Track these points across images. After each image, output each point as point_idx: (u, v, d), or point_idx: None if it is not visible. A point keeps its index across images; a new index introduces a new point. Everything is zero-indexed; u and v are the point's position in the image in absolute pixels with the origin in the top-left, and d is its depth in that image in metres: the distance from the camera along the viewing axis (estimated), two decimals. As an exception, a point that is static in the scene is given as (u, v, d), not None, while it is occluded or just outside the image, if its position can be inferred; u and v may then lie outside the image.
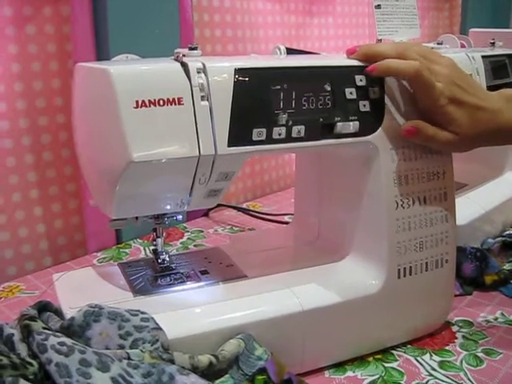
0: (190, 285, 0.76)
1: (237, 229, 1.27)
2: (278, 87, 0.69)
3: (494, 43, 1.34)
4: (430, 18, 2.18)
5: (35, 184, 1.11)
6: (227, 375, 0.66)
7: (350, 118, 0.72)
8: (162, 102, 0.63)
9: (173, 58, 0.68)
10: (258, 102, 0.68)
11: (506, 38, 1.41)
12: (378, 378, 0.74)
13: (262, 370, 0.66)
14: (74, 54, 1.10)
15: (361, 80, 0.73)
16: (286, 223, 1.21)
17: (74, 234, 1.18)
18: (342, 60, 0.76)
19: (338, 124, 0.72)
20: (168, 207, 0.72)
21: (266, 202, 1.48)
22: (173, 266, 0.80)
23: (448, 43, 1.30)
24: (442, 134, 0.74)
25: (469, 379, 0.73)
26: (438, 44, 1.26)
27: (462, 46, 1.35)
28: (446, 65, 0.75)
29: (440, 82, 0.73)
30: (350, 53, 0.75)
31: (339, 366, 0.76)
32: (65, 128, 1.12)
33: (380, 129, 0.74)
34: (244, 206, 1.43)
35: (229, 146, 0.66)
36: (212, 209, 1.33)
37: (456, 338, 0.82)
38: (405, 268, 0.77)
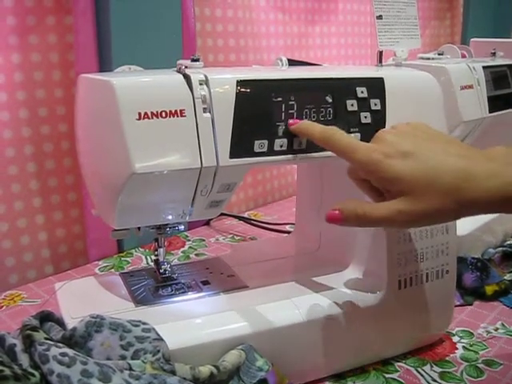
0: (191, 295, 0.77)
1: (238, 238, 1.27)
2: (280, 99, 0.69)
3: (494, 53, 1.34)
4: (432, 27, 2.19)
5: (37, 192, 1.11)
6: (228, 386, 0.66)
7: (351, 129, 0.73)
8: (164, 114, 0.63)
9: (175, 69, 0.68)
10: (260, 114, 0.68)
11: (507, 47, 1.41)
12: (379, 389, 0.74)
13: (263, 381, 0.66)
14: (77, 63, 1.10)
15: (362, 92, 0.74)
16: (288, 232, 1.22)
17: (75, 243, 1.18)
18: (343, 72, 0.76)
19: (339, 136, 0.72)
20: (170, 218, 0.72)
21: (267, 211, 1.49)
22: (174, 276, 0.80)
23: (449, 53, 1.30)
24: (381, 208, 0.61)
25: (469, 390, 0.74)
26: (439, 54, 1.27)
27: (463, 56, 1.35)
28: (402, 125, 0.67)
29: (374, 143, 0.64)
30: (290, 124, 0.70)
31: (340, 376, 0.76)
32: (67, 137, 1.12)
33: (381, 140, 0.74)
34: (245, 215, 1.43)
35: (231, 157, 0.66)
36: (213, 218, 1.33)
37: (456, 349, 0.82)
38: (405, 279, 0.77)
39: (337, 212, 0.63)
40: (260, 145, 0.68)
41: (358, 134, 0.73)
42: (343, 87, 0.74)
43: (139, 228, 0.75)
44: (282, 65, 0.82)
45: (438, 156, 0.60)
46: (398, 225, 0.65)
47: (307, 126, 0.69)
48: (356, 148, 0.63)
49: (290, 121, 0.70)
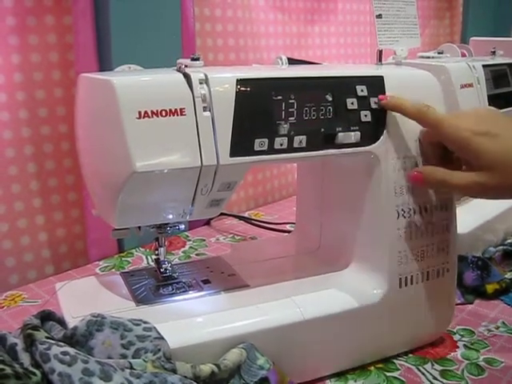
0: (192, 294, 0.77)
1: (238, 237, 1.27)
2: (280, 97, 0.69)
3: (494, 52, 1.34)
4: (431, 26, 2.19)
5: (37, 193, 1.11)
6: (229, 384, 0.66)
7: (352, 128, 0.73)
8: (164, 113, 0.63)
9: (175, 68, 0.68)
10: (260, 113, 0.68)
11: (507, 46, 1.41)
12: (380, 387, 0.74)
13: (264, 380, 0.66)
14: (77, 63, 1.10)
15: (362, 90, 0.74)
16: (288, 232, 1.22)
17: (75, 243, 1.18)
18: (342, 70, 0.77)
19: (340, 134, 0.72)
20: (170, 217, 0.72)
21: (267, 210, 1.49)
22: (175, 275, 0.80)
23: (449, 52, 1.30)
24: (457, 176, 0.70)
25: (470, 388, 0.74)
26: (439, 53, 1.27)
27: (463, 54, 1.35)
28: (483, 110, 0.77)
29: (463, 121, 0.71)
30: (380, 99, 0.75)
31: (341, 375, 0.76)
32: (67, 137, 1.13)
33: (381, 139, 0.75)
34: (246, 214, 1.43)
35: (231, 156, 0.66)
36: (214, 217, 1.33)
37: (457, 347, 0.83)
38: (406, 277, 0.77)
39: (419, 174, 0.73)
40: (260, 143, 0.68)
41: (358, 133, 0.73)
42: (343, 86, 0.73)
43: (140, 227, 0.75)
44: (282, 64, 0.82)
45: None
46: (472, 194, 0.73)
47: (401, 101, 0.74)
48: (446, 123, 0.70)
49: (380, 96, 0.75)
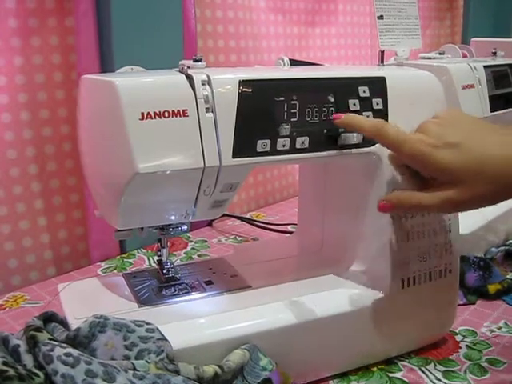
0: (194, 295, 0.77)
1: (240, 239, 1.27)
2: (282, 99, 0.69)
3: (495, 53, 1.34)
4: (432, 27, 2.19)
5: (39, 194, 1.11)
6: (232, 385, 0.66)
7: (354, 129, 0.73)
8: (167, 114, 0.63)
9: (177, 69, 0.69)
10: (263, 114, 0.68)
11: (508, 47, 1.41)
12: (383, 388, 0.74)
13: (267, 381, 0.66)
14: (79, 65, 1.10)
15: (364, 91, 0.74)
16: (290, 233, 1.22)
17: (77, 244, 1.18)
18: (345, 71, 0.77)
19: (342, 135, 0.72)
20: (173, 218, 0.72)
21: (269, 211, 1.49)
22: (177, 276, 0.80)
23: (450, 53, 1.31)
24: (427, 196, 0.64)
25: (473, 389, 0.74)
26: (440, 54, 1.27)
27: (464, 55, 1.36)
28: (444, 114, 0.69)
29: (420, 134, 0.65)
30: (335, 118, 0.71)
31: (343, 376, 0.76)
32: (69, 139, 1.13)
33: (383, 140, 0.75)
34: (248, 215, 1.43)
35: (233, 157, 0.66)
36: (216, 219, 1.33)
37: (460, 348, 0.83)
38: (408, 278, 0.77)
39: (386, 203, 0.67)
40: (263, 144, 0.68)
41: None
42: (345, 87, 0.74)
43: (142, 228, 0.75)
44: (284, 65, 0.82)
45: (484, 144, 0.63)
46: (448, 211, 0.71)
47: (354, 119, 0.70)
48: (404, 140, 0.65)
49: (334, 115, 0.71)
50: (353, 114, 0.71)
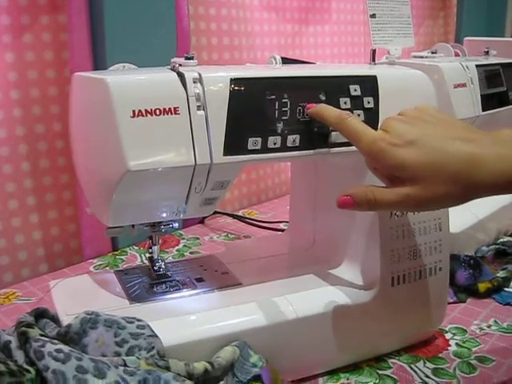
0: (185, 292, 0.77)
1: (232, 236, 1.28)
2: (274, 97, 0.69)
3: (488, 52, 1.35)
4: (425, 26, 2.19)
5: (31, 191, 1.11)
6: (222, 382, 0.66)
7: (345, 127, 0.73)
8: (158, 112, 0.63)
9: (169, 67, 0.69)
10: (254, 112, 0.68)
11: (501, 46, 1.42)
12: (372, 385, 0.75)
13: (257, 377, 0.66)
14: (71, 62, 1.10)
15: (355, 90, 0.74)
16: (282, 230, 1.22)
17: (70, 241, 1.18)
18: (336, 70, 0.77)
19: (333, 133, 0.72)
20: (164, 215, 0.73)
21: (261, 209, 1.49)
22: (169, 273, 0.80)
23: (442, 52, 1.31)
24: (390, 194, 0.62)
25: (462, 386, 0.74)
26: (433, 53, 1.27)
27: (457, 54, 1.36)
28: (409, 111, 0.67)
29: (386, 128, 0.64)
30: (307, 107, 0.71)
31: (333, 373, 0.77)
32: (61, 136, 1.13)
33: (374, 138, 0.75)
34: (240, 213, 1.43)
35: (224, 155, 0.67)
36: (208, 216, 1.33)
37: (449, 346, 0.83)
38: (399, 276, 0.77)
39: (348, 197, 0.63)
40: (254, 142, 0.68)
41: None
42: (336, 85, 0.74)
43: (134, 226, 0.75)
44: (276, 63, 0.82)
45: (445, 141, 0.61)
46: (407, 209, 0.70)
47: (323, 108, 0.70)
48: (363, 135, 0.64)
49: (307, 105, 0.71)
50: (324, 105, 0.71)
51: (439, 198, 0.60)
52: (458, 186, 0.59)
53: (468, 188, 0.59)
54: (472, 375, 0.76)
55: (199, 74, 0.66)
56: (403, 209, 0.70)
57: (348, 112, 0.69)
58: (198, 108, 0.65)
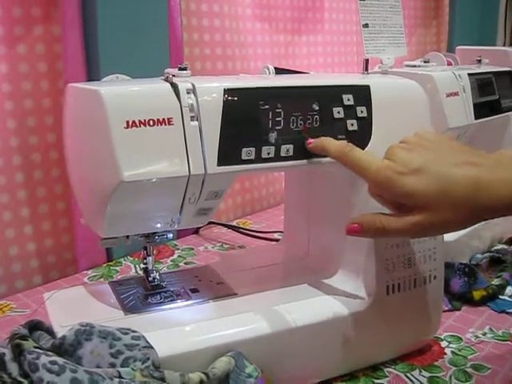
0: (180, 303, 0.77)
1: (227, 246, 1.28)
2: (267, 107, 0.70)
3: (480, 60, 1.35)
4: (418, 35, 2.20)
5: (25, 202, 1.11)
6: (218, 393, 0.66)
7: (338, 136, 0.73)
8: (152, 123, 0.63)
9: (163, 78, 0.69)
10: (247, 122, 0.69)
11: (493, 55, 1.42)
12: (368, 395, 0.75)
13: (253, 388, 0.66)
14: (65, 73, 1.10)
15: (348, 99, 0.74)
16: (276, 240, 1.22)
17: (64, 253, 1.18)
18: (329, 79, 0.77)
19: (327, 143, 0.72)
20: (159, 226, 0.73)
21: (255, 219, 1.49)
22: (163, 284, 0.80)
23: (435, 61, 1.31)
24: (398, 221, 0.63)
25: (458, 395, 0.74)
26: (425, 62, 1.28)
27: (449, 63, 1.36)
28: (411, 138, 0.68)
29: (391, 157, 0.65)
30: (308, 143, 0.72)
31: (329, 382, 0.77)
32: (55, 147, 1.12)
33: (367, 147, 0.75)
34: (234, 223, 1.43)
35: (218, 165, 0.67)
36: (202, 226, 1.33)
37: (445, 354, 0.83)
38: (393, 284, 0.77)
39: (356, 225, 0.65)
40: (247, 152, 0.68)
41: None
42: (330, 95, 0.74)
43: (128, 236, 0.75)
44: (269, 73, 0.82)
45: (449, 167, 0.62)
46: (414, 236, 0.70)
47: (324, 142, 0.71)
48: (369, 166, 0.65)
49: (308, 141, 0.72)
50: (325, 138, 0.72)
51: (446, 223, 0.62)
52: (464, 210, 0.60)
53: (473, 212, 0.61)
54: (468, 383, 0.76)
55: (193, 85, 0.66)
56: (410, 236, 0.71)
57: (349, 143, 0.69)
58: (192, 118, 0.66)
